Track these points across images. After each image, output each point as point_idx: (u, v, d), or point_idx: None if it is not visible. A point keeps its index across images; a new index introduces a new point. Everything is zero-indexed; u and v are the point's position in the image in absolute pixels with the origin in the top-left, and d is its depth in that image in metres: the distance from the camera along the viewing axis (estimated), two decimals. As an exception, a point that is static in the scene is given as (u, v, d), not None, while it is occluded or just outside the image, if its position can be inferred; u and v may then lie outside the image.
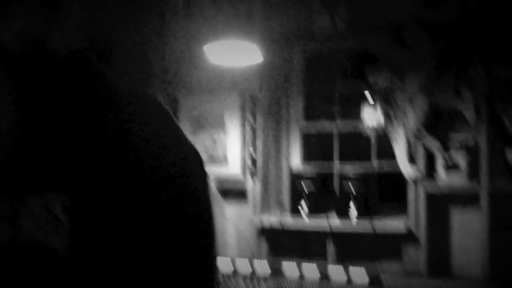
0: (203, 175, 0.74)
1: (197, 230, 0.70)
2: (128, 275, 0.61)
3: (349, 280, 1.88)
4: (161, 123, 0.70)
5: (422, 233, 3.36)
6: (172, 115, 0.73)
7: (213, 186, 3.97)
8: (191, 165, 0.72)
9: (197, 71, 3.89)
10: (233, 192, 4.00)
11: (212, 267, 0.72)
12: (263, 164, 3.81)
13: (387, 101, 3.42)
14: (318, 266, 1.99)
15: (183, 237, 0.67)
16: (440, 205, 3.42)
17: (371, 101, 3.97)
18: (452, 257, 3.39)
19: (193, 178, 0.71)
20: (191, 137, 3.92)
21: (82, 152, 0.61)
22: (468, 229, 3.38)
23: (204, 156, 3.69)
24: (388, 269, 3.44)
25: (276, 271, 2.04)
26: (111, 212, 0.60)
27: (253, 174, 3.82)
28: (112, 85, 0.67)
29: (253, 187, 3.80)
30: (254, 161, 3.79)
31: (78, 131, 0.62)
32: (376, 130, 3.91)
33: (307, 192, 3.59)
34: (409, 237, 3.41)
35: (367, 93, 3.82)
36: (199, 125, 3.93)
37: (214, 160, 3.88)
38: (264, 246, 3.79)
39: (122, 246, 0.61)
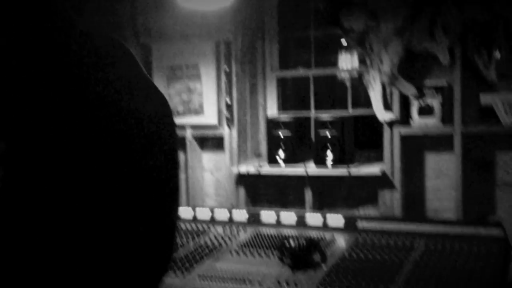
0: (170, 123, 0.69)
1: (161, 179, 0.66)
2: (72, 226, 0.56)
3: (326, 226, 1.91)
4: (126, 65, 0.65)
5: (397, 177, 3.42)
6: (136, 59, 0.68)
7: (188, 135, 3.95)
8: (158, 110, 0.67)
9: (169, 18, 3.80)
10: (210, 141, 4.00)
11: (173, 214, 0.68)
12: (239, 112, 3.80)
13: (362, 46, 3.40)
14: (296, 213, 2.01)
15: (144, 186, 0.63)
16: (414, 149, 3.47)
17: (346, 46, 3.94)
18: (426, 200, 3.47)
19: (159, 125, 0.66)
20: (165, 88, 3.87)
21: (27, 95, 0.55)
22: (442, 172, 3.44)
23: (179, 106, 3.65)
24: (364, 213, 3.51)
25: (254, 219, 2.06)
26: (63, 159, 0.55)
27: (229, 123, 3.81)
28: (68, 22, 0.61)
29: (229, 135, 3.80)
30: (230, 110, 3.77)
31: (25, 71, 0.56)
32: (351, 76, 3.91)
33: (283, 140, 3.59)
34: (385, 181, 3.46)
35: (342, 39, 3.79)
36: (174, 74, 3.87)
37: (190, 109, 3.85)
38: (242, 194, 3.82)
39: (71, 197, 0.56)
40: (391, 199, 3.43)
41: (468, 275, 1.47)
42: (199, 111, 3.85)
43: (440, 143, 3.41)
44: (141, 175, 0.62)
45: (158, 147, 0.66)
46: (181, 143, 3.95)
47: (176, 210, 0.70)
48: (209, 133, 3.89)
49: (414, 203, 3.46)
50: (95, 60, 0.62)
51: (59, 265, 0.56)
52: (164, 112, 0.69)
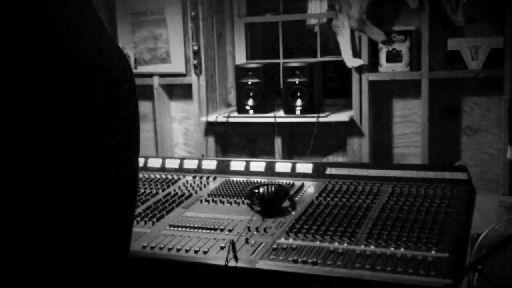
0: (127, 73, 0.64)
1: (120, 134, 0.62)
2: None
3: (295, 173, 1.92)
4: (78, 7, 0.60)
5: (365, 124, 3.44)
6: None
7: (155, 84, 3.88)
8: (114, 57, 0.63)
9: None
10: (178, 90, 3.94)
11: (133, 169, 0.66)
12: (207, 60, 3.73)
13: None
14: (265, 162, 2.01)
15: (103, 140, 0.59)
16: (382, 95, 3.49)
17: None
18: (394, 145, 3.51)
19: (114, 72, 0.61)
20: (130, 35, 3.76)
21: None
22: (409, 117, 3.48)
23: (145, 54, 3.56)
24: (333, 160, 3.55)
25: (224, 168, 2.06)
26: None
27: (197, 71, 3.75)
28: None
29: (198, 84, 3.74)
30: (198, 57, 3.71)
31: None
32: (320, 22, 3.86)
33: (252, 88, 3.57)
34: (353, 128, 3.49)
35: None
36: (139, 22, 3.76)
37: (156, 57, 3.77)
38: (211, 143, 3.81)
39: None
40: (359, 146, 3.47)
41: (433, 217, 1.51)
42: (166, 59, 3.77)
43: (408, 88, 3.43)
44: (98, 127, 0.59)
45: (120, 98, 0.62)
46: (149, 92, 3.89)
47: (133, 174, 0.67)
48: (177, 81, 3.83)
49: (381, 149, 3.51)
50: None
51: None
52: (122, 59, 0.65)
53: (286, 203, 1.69)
